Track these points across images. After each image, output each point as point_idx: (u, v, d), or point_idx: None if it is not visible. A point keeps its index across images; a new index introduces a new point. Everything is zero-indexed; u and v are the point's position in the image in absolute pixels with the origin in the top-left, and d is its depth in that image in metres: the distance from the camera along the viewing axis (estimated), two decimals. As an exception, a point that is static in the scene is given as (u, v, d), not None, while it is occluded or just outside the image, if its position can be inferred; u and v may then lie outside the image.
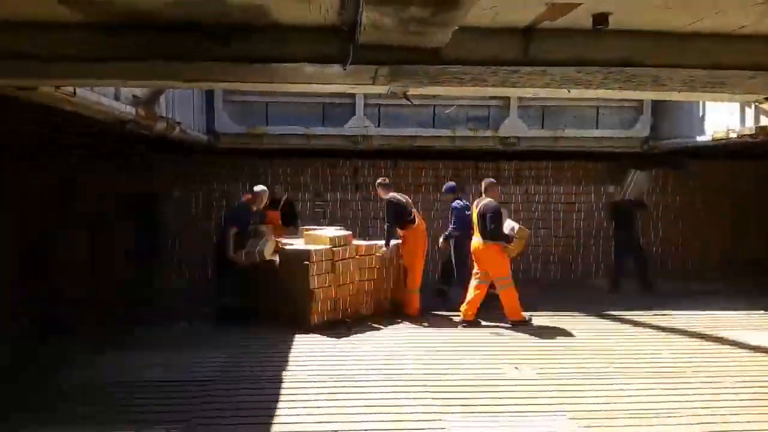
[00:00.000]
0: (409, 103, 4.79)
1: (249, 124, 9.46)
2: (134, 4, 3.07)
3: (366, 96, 9.40)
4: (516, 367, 5.71)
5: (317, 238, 7.33)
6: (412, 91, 4.27)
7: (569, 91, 4.19)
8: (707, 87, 3.97)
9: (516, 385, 5.28)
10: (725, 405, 4.83)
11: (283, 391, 5.06)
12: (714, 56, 3.58)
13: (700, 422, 4.51)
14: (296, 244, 7.47)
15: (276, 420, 4.50)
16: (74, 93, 4.72)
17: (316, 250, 6.96)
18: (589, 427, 4.42)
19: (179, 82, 3.86)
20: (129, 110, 5.95)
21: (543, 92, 4.17)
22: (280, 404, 4.79)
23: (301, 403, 4.80)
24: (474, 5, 2.83)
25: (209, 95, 9.26)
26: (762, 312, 7.86)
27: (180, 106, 7.90)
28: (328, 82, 3.88)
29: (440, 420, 4.53)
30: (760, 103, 5.64)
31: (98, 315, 7.29)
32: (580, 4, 3.07)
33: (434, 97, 9.28)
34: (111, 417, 4.53)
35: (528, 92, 4.51)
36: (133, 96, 6.22)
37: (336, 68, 3.62)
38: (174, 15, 3.14)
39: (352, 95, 9.39)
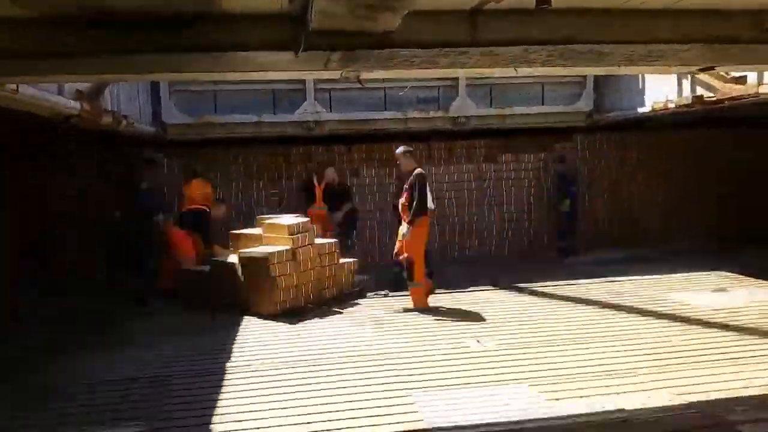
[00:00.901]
0: (361, 86, 4.84)
1: (197, 114, 9.32)
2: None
3: (316, 81, 9.37)
4: (478, 341, 5.89)
5: (276, 228, 7.31)
6: (364, 75, 4.32)
7: (516, 70, 4.31)
8: (646, 60, 4.15)
9: (478, 357, 5.44)
10: (676, 360, 5.12)
11: (238, 381, 5.06)
12: (652, 31, 3.74)
13: (657, 379, 4.76)
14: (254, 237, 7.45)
15: (235, 410, 4.51)
16: (17, 90, 4.59)
17: (277, 252, 6.94)
18: (549, 392, 4.62)
19: (130, 74, 3.79)
20: (74, 105, 5.80)
21: (493, 71, 4.28)
22: (236, 394, 4.79)
23: (260, 391, 4.82)
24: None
25: (155, 86, 9.06)
26: (698, 273, 8.30)
27: (125, 99, 7.73)
28: (281, 69, 3.90)
29: (409, 396, 4.65)
30: (695, 74, 5.90)
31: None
32: (520, -16, 3.17)
33: (383, 80, 9.34)
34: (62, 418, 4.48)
35: (478, 72, 4.62)
36: (77, 90, 6.05)
37: (288, 55, 3.63)
38: (123, 6, 3.09)
39: (303, 81, 9.35)
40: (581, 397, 4.51)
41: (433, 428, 4.06)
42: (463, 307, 7.13)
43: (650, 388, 4.61)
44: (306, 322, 6.76)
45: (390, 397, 4.64)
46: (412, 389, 4.78)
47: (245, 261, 7.07)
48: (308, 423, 4.22)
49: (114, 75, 3.90)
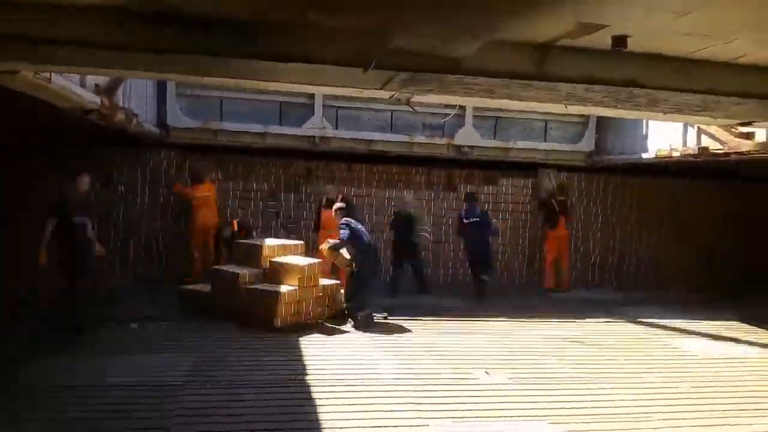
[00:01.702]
0: (412, 110, 4.79)
1: (203, 119, 9.14)
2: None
3: (325, 97, 9.31)
4: (486, 372, 5.82)
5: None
6: (415, 98, 4.27)
7: (566, 107, 4.32)
8: (694, 110, 4.22)
9: (491, 390, 5.36)
10: (689, 407, 5.14)
11: (255, 394, 4.91)
12: (710, 82, 3.80)
13: (674, 425, 4.76)
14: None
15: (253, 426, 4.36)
16: (50, 79, 4.40)
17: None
18: (571, 431, 4.57)
19: (203, 76, 3.67)
20: (95, 99, 5.61)
21: (543, 107, 4.29)
22: (253, 408, 4.65)
23: (276, 408, 4.67)
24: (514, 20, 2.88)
25: (161, 87, 8.87)
26: (700, 321, 8.40)
27: (135, 97, 7.53)
28: (343, 85, 3.82)
29: (427, 425, 4.55)
30: (732, 127, 6.00)
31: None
32: (606, 26, 3.19)
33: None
34: (82, 421, 4.24)
35: (528, 106, 4.62)
36: (96, 85, 5.86)
37: (355, 72, 3.56)
38: (202, 10, 2.99)
39: (312, 95, 9.28)
40: (604, 438, 4.48)
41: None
42: (466, 335, 7.08)
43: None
44: (309, 338, 6.61)
45: (406, 426, 4.53)
46: (426, 418, 4.68)
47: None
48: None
49: (188, 76, 3.77)
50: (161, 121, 8.91)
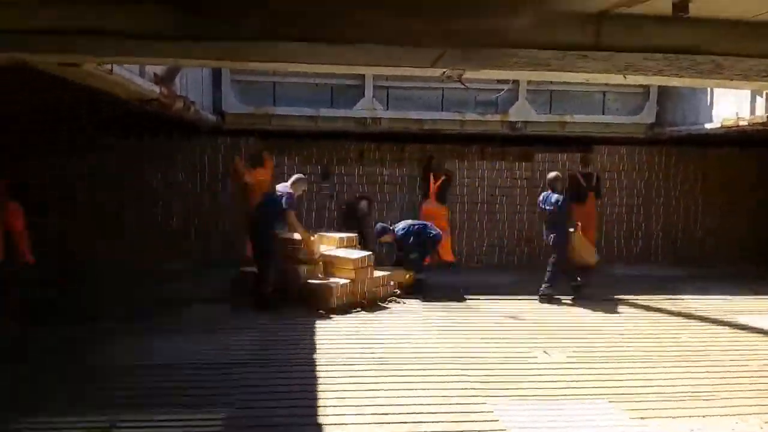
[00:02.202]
0: (463, 86, 4.73)
1: (256, 105, 9.29)
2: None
3: (375, 78, 9.29)
4: (545, 351, 5.77)
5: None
6: (467, 75, 4.21)
7: (625, 77, 4.18)
8: (761, 76, 4.00)
9: (551, 369, 5.33)
10: (755, 387, 4.95)
11: (316, 373, 5.03)
12: (775, 46, 3.60)
13: (740, 404, 4.61)
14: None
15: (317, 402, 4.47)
16: (111, 70, 4.56)
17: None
18: (632, 410, 4.49)
19: (242, 61, 3.74)
20: (154, 88, 5.78)
21: (601, 78, 4.15)
22: (315, 386, 4.77)
23: (338, 385, 4.78)
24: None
25: (216, 74, 9.05)
26: (763, 296, 8.06)
27: (192, 85, 7.72)
28: (390, 64, 3.80)
29: (485, 403, 4.55)
30: None
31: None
32: (666, -9, 3.05)
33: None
34: (150, 399, 4.45)
35: (585, 78, 4.49)
36: (154, 74, 6.03)
37: (401, 50, 3.53)
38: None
39: (362, 77, 9.29)
40: (667, 417, 4.38)
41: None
42: (522, 314, 7.01)
43: (735, 413, 4.47)
44: (364, 318, 6.71)
45: (468, 404, 4.55)
46: (486, 396, 4.68)
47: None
48: (387, 423, 4.15)
49: (226, 62, 3.84)
50: (217, 108, 9.11)
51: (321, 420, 4.16)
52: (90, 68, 4.22)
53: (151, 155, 9.46)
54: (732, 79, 4.12)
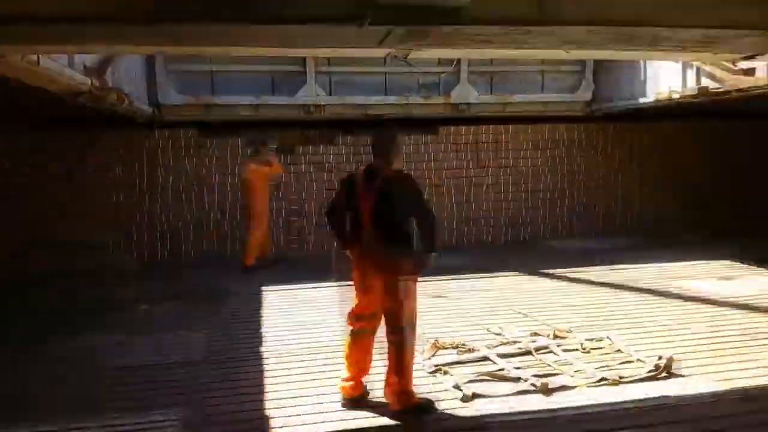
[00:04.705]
0: (409, 65, 4.69)
1: (194, 95, 9.02)
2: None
3: (317, 63, 9.17)
4: (499, 327, 5.80)
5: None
6: (413, 55, 4.18)
7: (567, 52, 4.23)
8: (697, 46, 4.13)
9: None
10: (703, 347, 5.15)
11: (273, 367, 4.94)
12: (713, 16, 3.71)
13: (691, 366, 4.78)
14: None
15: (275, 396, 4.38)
16: (38, 62, 4.30)
17: None
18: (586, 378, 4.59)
19: (184, 47, 3.56)
20: (85, 81, 5.50)
21: (544, 53, 4.20)
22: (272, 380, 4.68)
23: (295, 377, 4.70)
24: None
25: (150, 64, 8.71)
26: (700, 262, 8.44)
27: (125, 76, 7.39)
28: (338, 45, 3.73)
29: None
30: (732, 62, 5.90)
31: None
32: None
33: (385, 63, 9.22)
34: (103, 403, 4.26)
35: (528, 54, 4.52)
36: (84, 65, 5.74)
37: (351, 29, 3.46)
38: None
39: (303, 63, 9.14)
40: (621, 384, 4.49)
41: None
42: (476, 292, 7.10)
43: (686, 375, 4.63)
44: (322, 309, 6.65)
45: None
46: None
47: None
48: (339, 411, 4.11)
49: (163, 47, 3.66)
50: (152, 100, 8.78)
51: (279, 413, 4.08)
52: (14, 60, 3.95)
53: (84, 151, 9.05)
54: (668, 51, 4.24)
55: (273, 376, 4.70)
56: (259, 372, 4.79)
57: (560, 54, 4.30)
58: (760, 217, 10.27)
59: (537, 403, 4.12)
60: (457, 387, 4.31)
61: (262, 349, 5.33)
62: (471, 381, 4.41)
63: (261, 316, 6.33)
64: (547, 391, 4.24)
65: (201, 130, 9.41)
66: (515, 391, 4.27)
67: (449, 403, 4.12)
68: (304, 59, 9.02)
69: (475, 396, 4.17)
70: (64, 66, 4.89)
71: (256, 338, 5.63)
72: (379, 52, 4.08)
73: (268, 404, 4.22)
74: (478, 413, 3.98)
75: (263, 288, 7.43)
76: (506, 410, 4.01)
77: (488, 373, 4.56)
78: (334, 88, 9.45)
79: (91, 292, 7.51)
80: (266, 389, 4.46)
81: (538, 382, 4.33)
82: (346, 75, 9.42)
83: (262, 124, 9.46)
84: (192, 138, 9.43)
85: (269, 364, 4.96)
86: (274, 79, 9.30)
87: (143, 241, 9.33)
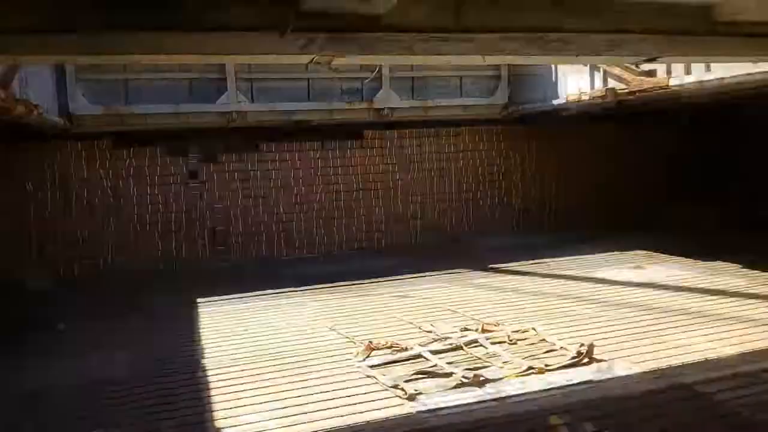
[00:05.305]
0: (334, 71, 4.73)
1: (106, 104, 8.70)
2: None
3: (237, 70, 9.07)
4: (432, 325, 5.93)
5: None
6: (335, 62, 4.22)
7: (484, 59, 4.40)
8: (603, 50, 4.39)
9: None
10: (622, 332, 5.48)
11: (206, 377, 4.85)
12: (616, 21, 3.98)
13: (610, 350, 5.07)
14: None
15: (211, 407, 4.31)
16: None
17: None
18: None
19: (95, 55, 3.43)
20: (-10, 91, 5.21)
21: (462, 60, 4.35)
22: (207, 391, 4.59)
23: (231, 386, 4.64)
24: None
25: (60, 73, 8.34)
26: (611, 254, 8.96)
27: (33, 87, 7.04)
28: (260, 52, 3.71)
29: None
30: (637, 65, 6.30)
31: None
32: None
33: (308, 69, 9.25)
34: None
35: (447, 60, 4.66)
36: (-12, 75, 5.44)
37: (272, 37, 3.47)
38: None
39: (223, 69, 9.01)
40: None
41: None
42: (403, 294, 7.22)
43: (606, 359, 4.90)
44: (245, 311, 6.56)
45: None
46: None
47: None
48: (286, 417, 4.09)
49: (74, 56, 3.51)
50: (63, 110, 8.40)
51: (217, 424, 4.02)
52: None
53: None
54: (578, 55, 4.48)
55: (208, 388, 4.61)
56: (192, 385, 4.69)
57: (478, 60, 4.46)
58: (665, 212, 10.93)
59: (471, 395, 4.25)
60: (396, 386, 4.38)
61: (193, 361, 5.21)
62: (409, 380, 4.50)
63: (187, 329, 6.17)
64: (479, 383, 4.39)
65: (115, 140, 9.06)
66: (451, 386, 4.39)
67: (389, 401, 4.19)
68: (224, 66, 8.90)
69: (416, 394, 4.26)
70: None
71: (185, 351, 5.50)
72: (303, 59, 4.08)
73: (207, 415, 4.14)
74: (419, 409, 4.07)
75: (188, 300, 7.24)
76: (444, 404, 4.12)
77: (423, 371, 4.67)
78: (256, 95, 9.36)
79: (2, 311, 7.07)
80: (204, 401, 4.37)
81: (471, 375, 4.48)
82: (268, 81, 9.37)
83: (182, 132, 9.24)
84: (107, 149, 9.07)
85: (201, 377, 4.85)
86: (193, 86, 9.12)
87: (58, 257, 8.88)
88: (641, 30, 4.06)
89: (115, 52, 3.36)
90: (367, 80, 8.89)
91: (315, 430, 3.87)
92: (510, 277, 7.89)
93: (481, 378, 4.45)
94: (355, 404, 4.19)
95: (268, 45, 3.60)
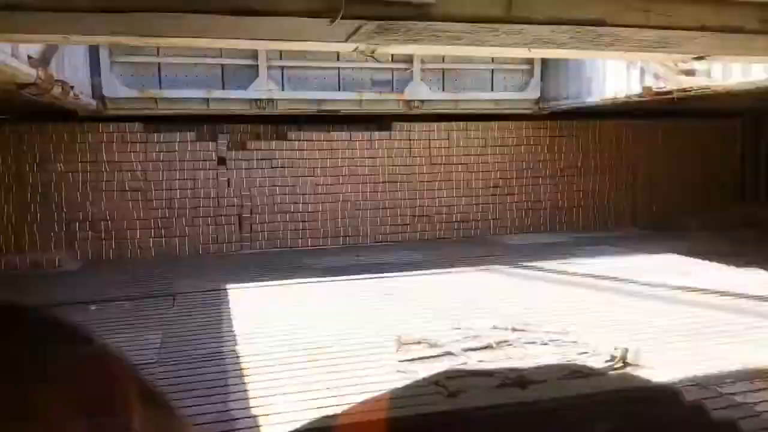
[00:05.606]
0: (378, 62, 4.67)
1: (141, 88, 8.72)
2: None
3: (269, 57, 9.04)
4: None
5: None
6: (379, 51, 4.15)
7: (530, 50, 4.31)
8: (652, 47, 4.27)
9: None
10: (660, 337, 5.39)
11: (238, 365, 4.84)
12: (668, 17, 3.86)
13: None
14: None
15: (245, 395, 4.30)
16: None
17: None
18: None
19: (145, 38, 3.40)
20: (31, 72, 5.22)
21: (503, 51, 4.26)
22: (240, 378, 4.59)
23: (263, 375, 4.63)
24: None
25: (93, 55, 8.37)
26: (647, 256, 8.79)
27: (69, 68, 7.07)
28: (308, 39, 3.66)
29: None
30: (674, 63, 6.15)
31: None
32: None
33: (338, 59, 9.21)
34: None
35: (490, 52, 4.58)
36: (28, 56, 5.44)
37: (321, 23, 3.42)
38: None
39: (255, 57, 8.98)
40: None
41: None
42: (428, 290, 7.16)
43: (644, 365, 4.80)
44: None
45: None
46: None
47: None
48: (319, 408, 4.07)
49: (124, 37, 3.49)
50: (97, 92, 8.44)
51: (251, 412, 4.01)
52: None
53: (23, 144, 8.61)
54: (626, 51, 4.37)
55: (233, 377, 4.61)
56: (221, 372, 4.69)
57: (523, 52, 4.37)
58: (707, 212, 10.73)
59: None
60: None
61: (220, 348, 5.21)
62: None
63: (215, 315, 6.18)
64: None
65: (147, 124, 9.10)
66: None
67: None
68: (256, 52, 8.87)
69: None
70: (7, 56, 4.63)
71: (212, 338, 5.50)
72: (348, 47, 4.03)
73: (231, 405, 4.13)
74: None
75: (216, 286, 7.26)
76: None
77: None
78: (286, 83, 9.33)
79: (33, 292, 7.15)
80: (229, 389, 4.37)
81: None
82: (300, 69, 9.33)
83: (212, 118, 9.26)
84: (138, 133, 9.11)
85: (229, 364, 4.85)
86: (225, 72, 9.10)
87: (87, 239, 8.96)
88: (693, 27, 3.93)
89: (164, 35, 3.34)
90: (397, 71, 8.76)
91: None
92: (541, 275, 7.78)
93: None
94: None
95: (315, 31, 3.55)
